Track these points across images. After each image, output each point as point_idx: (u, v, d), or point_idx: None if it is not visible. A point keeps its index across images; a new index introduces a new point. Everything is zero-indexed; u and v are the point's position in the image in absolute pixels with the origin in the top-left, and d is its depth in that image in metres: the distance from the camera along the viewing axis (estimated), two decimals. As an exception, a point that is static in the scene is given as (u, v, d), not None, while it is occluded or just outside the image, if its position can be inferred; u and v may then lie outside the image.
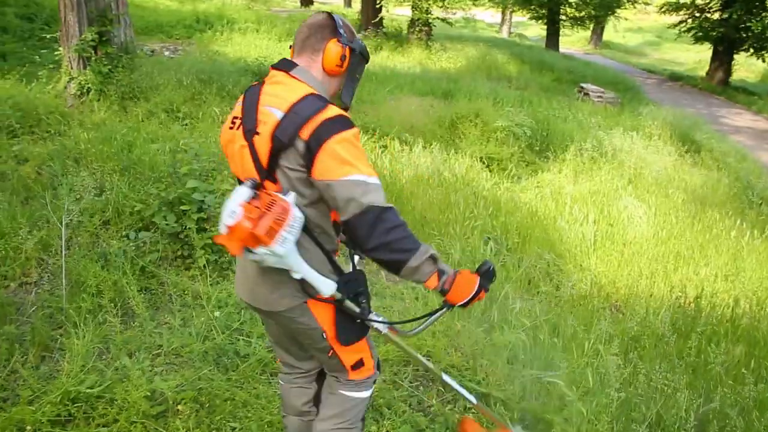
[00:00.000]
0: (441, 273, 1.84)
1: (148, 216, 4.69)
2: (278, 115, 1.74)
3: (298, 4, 27.86)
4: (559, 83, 16.54)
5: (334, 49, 1.88)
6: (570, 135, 8.94)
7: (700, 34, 22.95)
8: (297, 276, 1.82)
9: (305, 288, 1.88)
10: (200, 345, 3.63)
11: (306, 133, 1.69)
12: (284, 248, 1.70)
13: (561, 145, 8.60)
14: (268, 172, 1.79)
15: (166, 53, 13.29)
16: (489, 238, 5.75)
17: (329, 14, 1.93)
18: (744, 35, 21.21)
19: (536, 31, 34.01)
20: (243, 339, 3.75)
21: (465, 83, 12.35)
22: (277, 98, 1.79)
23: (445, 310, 2.01)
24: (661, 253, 5.70)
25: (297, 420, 2.43)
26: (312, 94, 1.79)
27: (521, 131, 8.45)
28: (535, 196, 6.89)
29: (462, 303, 1.89)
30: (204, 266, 4.48)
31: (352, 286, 1.96)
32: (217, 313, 3.86)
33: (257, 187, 1.78)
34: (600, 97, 14.64)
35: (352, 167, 1.68)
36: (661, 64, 29.92)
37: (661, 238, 5.93)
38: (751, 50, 21.96)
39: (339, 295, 1.92)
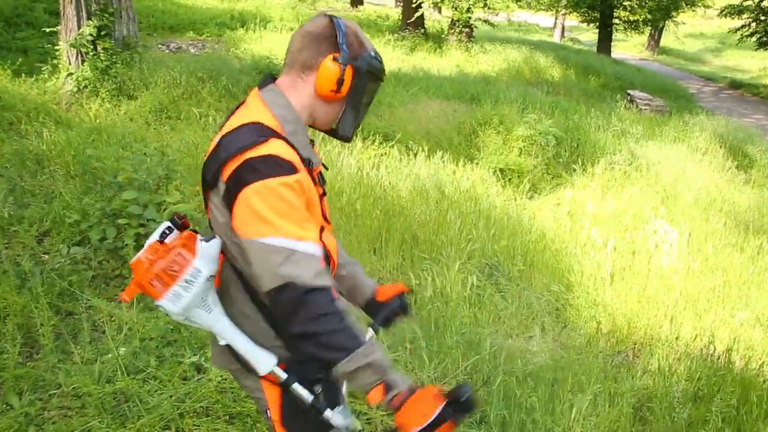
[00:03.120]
0: (388, 387, 1.41)
1: (86, 229, 4.15)
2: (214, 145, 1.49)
3: (348, 4, 27.36)
4: (604, 89, 15.50)
5: (329, 69, 1.51)
6: (602, 146, 8.05)
7: (765, 39, 21.49)
8: (221, 342, 1.56)
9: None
10: (100, 387, 3.05)
11: (227, 173, 1.40)
12: (176, 307, 1.44)
13: (591, 157, 7.73)
14: (206, 205, 1.56)
15: (192, 50, 13.00)
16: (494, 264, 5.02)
17: (331, 20, 1.54)
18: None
19: (591, 36, 32.67)
20: (154, 384, 3.15)
21: (497, 87, 11.53)
22: (229, 125, 1.50)
23: None
24: (692, 289, 4.83)
25: None
26: (254, 123, 1.45)
27: (545, 140, 7.63)
28: (551, 216, 6.07)
29: (417, 430, 1.36)
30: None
31: (308, 368, 1.56)
32: (122, 350, 3.26)
33: (178, 225, 1.52)
34: (647, 105, 13.64)
35: (269, 227, 1.36)
36: (721, 72, 28.23)
37: (693, 271, 5.05)
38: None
39: (282, 376, 1.56)
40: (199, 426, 3.01)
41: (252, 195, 1.35)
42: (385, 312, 1.89)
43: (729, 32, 24.23)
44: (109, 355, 3.24)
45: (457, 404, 1.39)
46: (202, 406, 3.09)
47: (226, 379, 3.26)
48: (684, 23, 28.99)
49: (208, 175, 1.45)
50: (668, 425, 3.35)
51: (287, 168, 1.38)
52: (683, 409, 3.17)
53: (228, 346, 1.56)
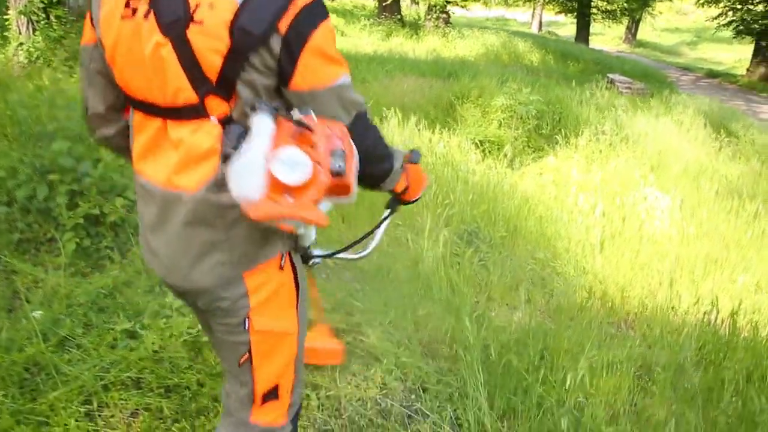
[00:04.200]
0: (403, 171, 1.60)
1: (14, 187, 3.64)
2: None
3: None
4: (584, 74, 15.21)
5: None
6: (586, 119, 7.69)
7: (742, 27, 21.47)
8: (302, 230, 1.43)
9: (250, 252, 1.35)
10: (6, 356, 2.56)
11: (285, 24, 1.18)
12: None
13: (574, 129, 7.35)
14: (219, 84, 1.21)
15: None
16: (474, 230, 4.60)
17: None
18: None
19: (569, 30, 32.57)
20: (77, 353, 2.67)
21: (475, 66, 11.15)
22: None
23: (392, 212, 1.74)
24: (688, 255, 4.46)
25: None
26: None
27: (526, 111, 7.24)
28: (534, 183, 5.67)
29: (415, 199, 1.70)
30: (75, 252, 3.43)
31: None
32: (38, 313, 2.77)
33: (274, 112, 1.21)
34: (628, 87, 13.36)
35: (340, 66, 1.29)
36: (698, 63, 28.25)
37: (688, 237, 4.68)
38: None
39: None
40: (126, 400, 2.53)
41: (320, 39, 1.23)
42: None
43: (706, 20, 24.21)
44: (24, 322, 2.76)
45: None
46: (132, 376, 2.62)
47: (163, 348, 2.79)
48: (661, 13, 28.93)
49: (256, 29, 1.17)
50: (672, 395, 2.97)
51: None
52: (694, 375, 2.75)
53: (229, 247, 1.33)
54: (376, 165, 1.44)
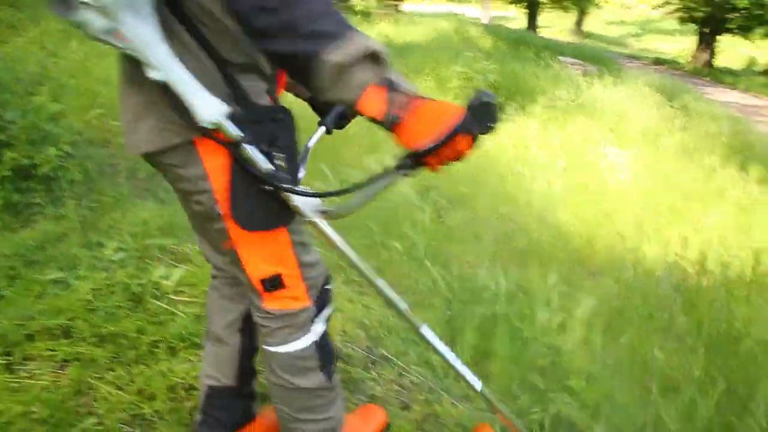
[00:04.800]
0: (390, 88, 1.06)
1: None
2: None
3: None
4: (536, 58, 15.26)
5: None
6: (542, 89, 7.58)
7: (686, 15, 21.98)
8: (155, 75, 1.11)
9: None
10: None
11: None
12: None
13: (531, 98, 7.23)
14: None
15: None
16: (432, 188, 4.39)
17: None
18: (730, 16, 20.34)
19: (520, 25, 32.88)
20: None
21: (428, 48, 10.98)
22: None
23: (400, 167, 1.12)
24: (651, 205, 4.35)
25: (209, 346, 1.75)
26: None
27: (483, 78, 7.09)
28: (494, 143, 5.49)
29: (425, 149, 1.05)
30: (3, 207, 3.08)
31: (265, 127, 1.23)
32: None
33: None
34: (581, 68, 13.44)
35: None
36: (643, 54, 28.87)
37: (650, 189, 4.58)
38: (737, 30, 21.10)
39: (233, 132, 1.17)
40: (55, 350, 2.22)
41: None
42: (338, 108, 1.50)
43: (653, 8, 24.71)
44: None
45: (477, 111, 1.04)
46: (61, 324, 2.31)
47: (97, 296, 2.48)
48: (607, 2, 29.41)
49: None
50: (650, 333, 2.81)
51: None
52: (677, 299, 2.60)
53: (176, 103, 1.15)
54: (291, 44, 1.03)
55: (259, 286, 1.45)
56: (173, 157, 1.26)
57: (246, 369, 1.76)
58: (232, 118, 1.18)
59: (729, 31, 21.43)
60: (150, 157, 1.30)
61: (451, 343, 2.68)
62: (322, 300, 1.55)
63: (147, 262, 2.70)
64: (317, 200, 1.33)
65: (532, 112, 6.87)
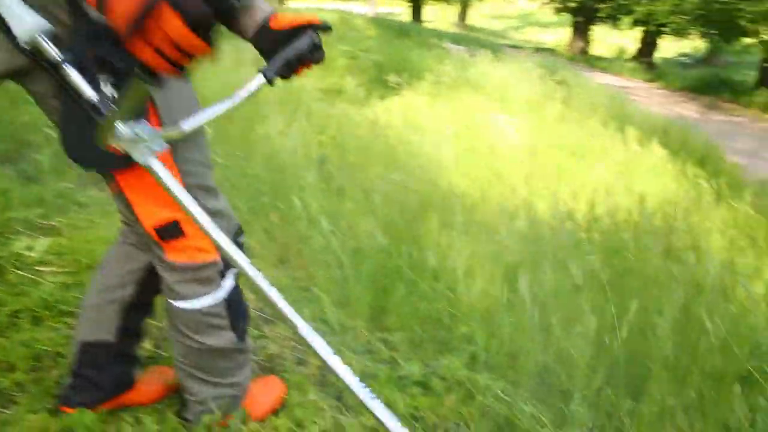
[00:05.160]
0: None
1: None
2: None
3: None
4: (422, 43, 15.44)
5: None
6: (429, 66, 7.57)
7: (561, 5, 23.05)
8: None
9: None
10: None
11: None
12: None
13: (418, 75, 7.19)
14: None
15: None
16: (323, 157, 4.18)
17: None
18: (601, 6, 21.55)
19: (405, 19, 33.31)
20: None
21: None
22: None
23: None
24: (540, 165, 4.37)
25: (92, 298, 1.53)
26: None
27: (367, 57, 6.97)
28: (382, 114, 5.38)
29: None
30: None
31: (101, 47, 1.06)
32: None
33: None
34: (466, 52, 13.68)
35: None
36: (525, 44, 30.08)
37: (538, 150, 4.61)
38: (607, 20, 22.37)
39: (50, 52, 1.03)
40: None
41: None
42: (287, 53, 1.21)
43: (531, 0, 25.71)
44: None
45: None
46: None
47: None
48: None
49: None
50: (548, 277, 2.75)
51: None
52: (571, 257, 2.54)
53: None
54: None
55: (154, 235, 1.31)
56: (28, 82, 1.15)
57: (131, 328, 1.57)
58: (55, 36, 1.03)
59: (601, 20, 22.66)
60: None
61: (347, 302, 2.54)
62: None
63: (8, 236, 2.42)
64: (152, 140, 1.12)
65: (420, 87, 6.83)
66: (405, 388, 2.05)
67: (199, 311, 1.41)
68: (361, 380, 1.32)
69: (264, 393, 1.75)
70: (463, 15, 34.41)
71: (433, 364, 2.18)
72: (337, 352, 2.15)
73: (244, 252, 1.43)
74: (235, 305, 1.48)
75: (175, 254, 1.35)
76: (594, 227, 3.17)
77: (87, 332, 1.53)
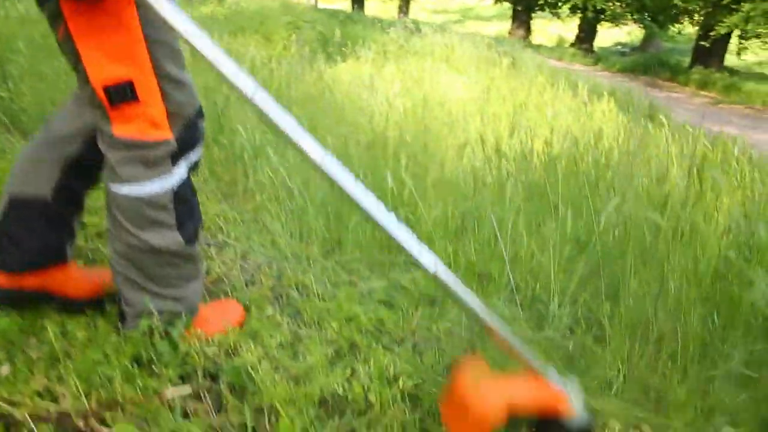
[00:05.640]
0: None
1: None
2: None
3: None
4: (365, 25, 15.39)
5: None
6: (373, 38, 7.41)
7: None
8: None
9: None
10: None
11: None
12: None
13: (364, 44, 7.02)
14: None
15: None
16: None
17: None
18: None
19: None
20: None
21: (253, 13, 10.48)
22: None
23: None
24: (491, 114, 4.25)
25: (30, 149, 1.34)
26: None
27: (310, 26, 6.76)
28: (330, 76, 5.18)
29: None
30: None
31: None
32: None
33: None
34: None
35: None
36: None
37: (488, 101, 4.50)
38: (547, 9, 22.75)
39: None
40: None
41: None
42: None
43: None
44: None
45: None
46: None
47: None
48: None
49: None
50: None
51: None
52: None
53: None
54: None
55: (103, 97, 1.12)
56: None
57: (71, 191, 1.36)
58: None
59: (540, 7, 23.02)
60: None
61: (301, 235, 2.36)
62: (188, 137, 1.26)
63: None
64: None
65: (365, 55, 6.65)
66: (368, 305, 1.88)
67: (143, 200, 1.22)
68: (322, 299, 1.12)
69: (218, 316, 1.55)
70: (405, 9, 34.50)
71: (397, 278, 2.02)
72: (283, 272, 1.99)
73: (200, 136, 1.30)
74: (183, 201, 1.28)
75: (122, 126, 1.16)
76: (555, 156, 3.06)
77: (20, 186, 1.31)
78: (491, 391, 1.11)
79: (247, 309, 1.69)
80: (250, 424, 1.17)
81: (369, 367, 1.53)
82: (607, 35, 28.98)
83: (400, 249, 1.05)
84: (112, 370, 1.27)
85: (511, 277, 2.00)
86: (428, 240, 2.24)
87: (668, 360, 1.77)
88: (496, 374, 1.17)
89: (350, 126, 4.09)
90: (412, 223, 2.31)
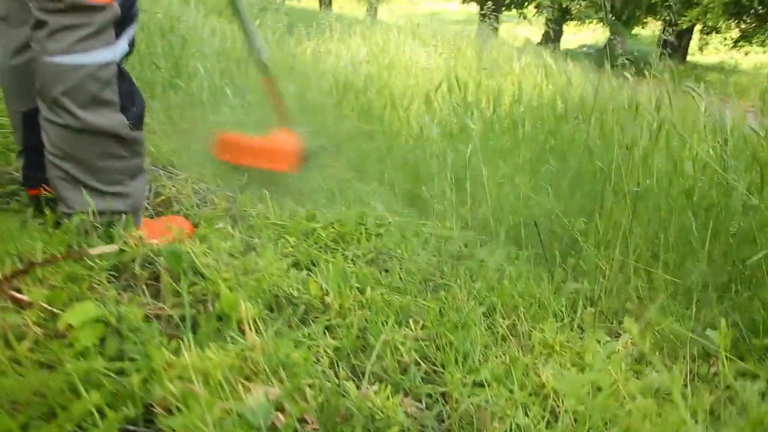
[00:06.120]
0: None
1: None
2: None
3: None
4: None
5: None
6: (333, 25, 7.27)
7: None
8: None
9: None
10: None
11: None
12: None
13: (329, 27, 6.86)
14: None
15: None
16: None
17: None
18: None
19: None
20: None
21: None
22: None
23: None
24: (454, 78, 4.18)
25: None
26: None
27: (277, 11, 6.59)
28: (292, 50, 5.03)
29: None
30: None
31: None
32: None
33: None
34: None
35: None
36: (434, 39, 30.62)
37: (453, 67, 4.43)
38: (513, 8, 22.84)
39: None
40: None
41: None
42: None
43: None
44: None
45: None
46: None
47: None
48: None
49: None
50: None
51: None
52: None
53: None
54: None
55: None
56: None
57: None
58: None
59: (507, 7, 23.10)
60: None
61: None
62: (128, 5, 1.18)
63: None
64: None
65: (331, 36, 6.52)
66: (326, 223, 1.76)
67: (88, 71, 1.12)
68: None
69: (164, 225, 1.43)
70: (373, 12, 34.57)
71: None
72: (248, 200, 1.87)
73: (137, 12, 1.23)
74: (126, 80, 1.21)
75: None
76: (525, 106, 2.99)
77: (25, 103, 1.29)
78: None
79: (196, 226, 1.57)
80: (189, 313, 1.04)
81: (328, 272, 1.41)
82: (572, 39, 29.40)
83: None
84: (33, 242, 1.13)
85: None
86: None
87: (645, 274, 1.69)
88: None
89: (315, 91, 3.98)
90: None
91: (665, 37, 16.33)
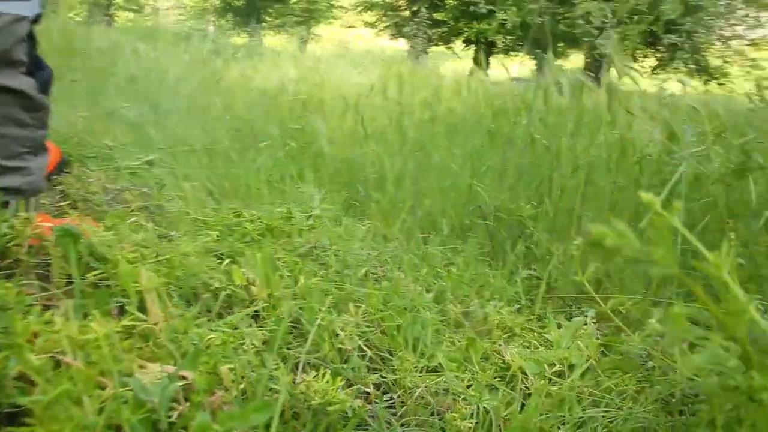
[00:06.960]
0: None
1: None
2: None
3: None
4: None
5: None
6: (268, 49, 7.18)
7: (395, 33, 23.81)
8: None
9: None
10: None
11: None
12: None
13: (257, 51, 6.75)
14: None
15: None
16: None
17: None
18: (434, 30, 22.51)
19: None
20: None
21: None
22: None
23: None
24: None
25: None
26: None
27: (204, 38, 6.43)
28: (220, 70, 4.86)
29: None
30: None
31: None
32: None
33: None
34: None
35: None
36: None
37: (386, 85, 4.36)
38: (441, 44, 23.42)
39: None
40: None
41: None
42: None
43: (365, 25, 26.35)
44: None
45: None
46: None
47: None
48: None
49: None
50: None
51: None
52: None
53: None
54: None
55: None
56: None
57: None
58: None
59: (435, 43, 23.61)
60: None
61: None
62: None
63: None
64: None
65: (261, 59, 6.39)
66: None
67: (5, 20, 1.00)
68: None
69: (64, 220, 1.27)
70: (302, 48, 34.80)
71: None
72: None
73: None
74: (34, 41, 1.15)
75: None
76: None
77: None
78: None
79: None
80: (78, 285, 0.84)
81: (255, 262, 1.23)
82: (499, 72, 30.39)
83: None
84: None
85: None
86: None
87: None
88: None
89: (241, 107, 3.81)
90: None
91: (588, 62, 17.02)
